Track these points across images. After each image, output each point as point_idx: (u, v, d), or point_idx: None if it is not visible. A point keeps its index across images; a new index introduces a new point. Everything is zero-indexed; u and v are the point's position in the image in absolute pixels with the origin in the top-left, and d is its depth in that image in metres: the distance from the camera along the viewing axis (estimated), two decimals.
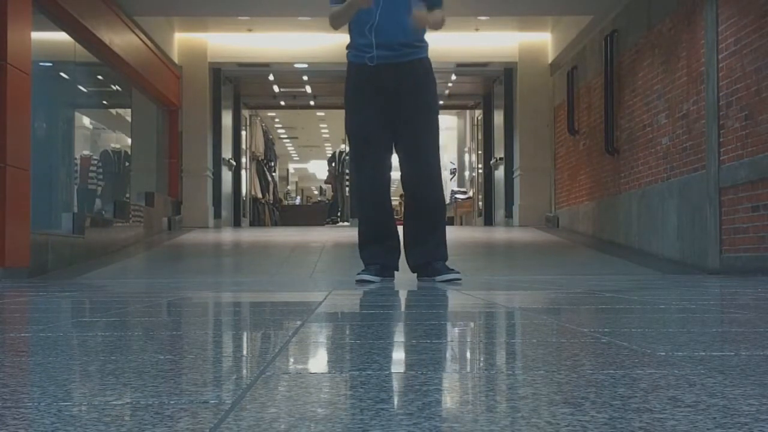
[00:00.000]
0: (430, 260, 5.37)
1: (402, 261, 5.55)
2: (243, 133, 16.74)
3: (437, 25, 5.28)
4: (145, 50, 11.29)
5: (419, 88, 5.29)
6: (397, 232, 5.54)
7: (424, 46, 5.37)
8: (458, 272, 5.36)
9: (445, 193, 6.10)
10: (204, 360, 1.70)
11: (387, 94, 5.26)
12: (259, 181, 19.07)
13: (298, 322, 2.58)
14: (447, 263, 5.43)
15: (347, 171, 18.23)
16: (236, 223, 15.09)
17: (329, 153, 25.47)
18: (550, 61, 13.28)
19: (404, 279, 5.62)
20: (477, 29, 13.09)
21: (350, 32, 5.38)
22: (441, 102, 18.67)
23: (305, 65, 14.08)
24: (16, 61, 6.93)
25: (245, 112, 17.36)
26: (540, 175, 13.26)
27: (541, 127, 13.27)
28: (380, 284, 5.22)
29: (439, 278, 5.28)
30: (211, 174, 13.70)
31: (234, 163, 15.10)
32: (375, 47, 5.20)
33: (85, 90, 10.79)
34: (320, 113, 24.10)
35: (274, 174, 21.44)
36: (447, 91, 17.19)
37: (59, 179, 9.14)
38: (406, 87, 5.26)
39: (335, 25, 5.37)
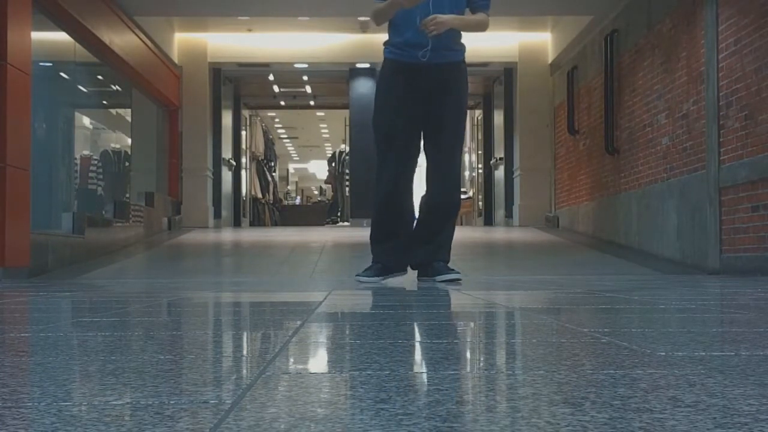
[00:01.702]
0: (431, 260, 5.35)
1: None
2: (243, 133, 16.74)
3: (472, 27, 5.26)
4: (145, 50, 11.29)
5: (453, 91, 5.24)
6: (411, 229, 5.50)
7: (461, 49, 5.33)
8: (458, 272, 5.34)
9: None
10: (204, 360, 1.69)
11: (421, 94, 5.21)
12: (259, 181, 19.07)
13: (298, 322, 2.58)
14: (448, 265, 5.41)
15: (347, 171, 18.23)
16: (236, 223, 15.10)
17: (329, 153, 25.46)
18: (550, 61, 13.28)
19: (405, 279, 5.61)
20: None
21: (390, 29, 5.31)
22: None
23: (305, 65, 14.07)
24: (16, 61, 6.93)
25: (245, 112, 17.36)
26: (540, 175, 13.26)
27: (541, 127, 13.27)
28: (379, 284, 5.23)
29: (439, 278, 5.26)
30: (211, 174, 13.70)
31: (234, 163, 15.10)
32: (419, 46, 5.14)
33: (85, 90, 10.78)
34: (320, 113, 24.09)
35: (274, 174, 21.45)
36: None
37: (59, 179, 9.14)
38: (441, 89, 5.22)
39: (377, 21, 5.33)
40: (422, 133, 5.33)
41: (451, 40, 5.21)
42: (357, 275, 5.47)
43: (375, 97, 5.42)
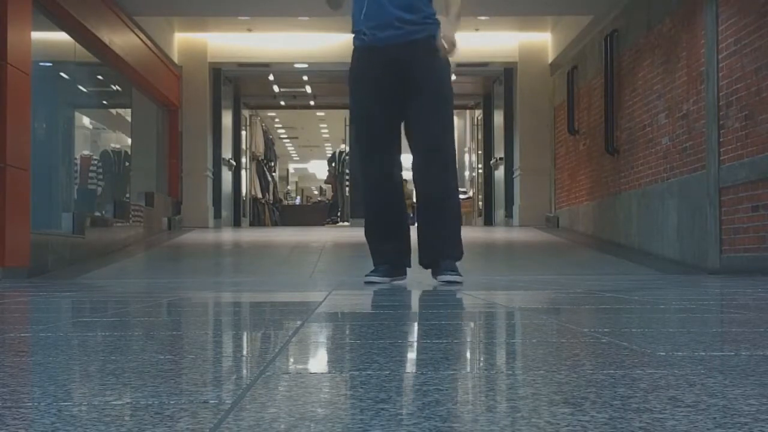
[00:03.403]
0: (437, 258, 5.11)
1: (414, 258, 5.32)
2: (243, 133, 16.74)
3: (455, 25, 5.05)
4: (145, 50, 11.29)
5: (429, 67, 4.96)
6: (407, 228, 5.30)
7: (430, 23, 5.02)
8: (460, 275, 5.06)
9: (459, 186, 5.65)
10: (204, 360, 1.69)
11: (391, 77, 4.98)
12: (259, 181, 19.07)
13: (298, 322, 2.58)
14: (457, 263, 5.12)
15: (347, 171, 18.22)
16: (236, 223, 15.09)
17: (329, 153, 25.46)
18: (550, 61, 13.28)
19: (409, 279, 5.59)
20: (477, 29, 13.09)
21: (352, 15, 5.14)
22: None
23: (305, 65, 14.07)
24: (16, 61, 6.93)
25: (245, 112, 17.36)
26: (540, 175, 13.26)
27: (541, 127, 13.27)
28: (389, 285, 5.09)
29: (439, 278, 5.07)
30: (211, 174, 13.70)
31: (234, 163, 15.10)
32: (373, 28, 4.96)
33: (85, 90, 10.78)
34: (320, 113, 24.10)
35: (274, 174, 21.44)
36: None
37: (59, 179, 9.14)
38: (412, 68, 4.97)
39: (330, 4, 5.23)
40: (405, 119, 5.08)
41: (422, 20, 4.99)
42: (366, 276, 5.22)
43: (350, 89, 5.21)
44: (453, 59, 5.08)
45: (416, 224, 5.32)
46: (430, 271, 5.26)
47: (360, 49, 5.12)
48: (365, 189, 5.29)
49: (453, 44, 4.91)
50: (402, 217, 5.32)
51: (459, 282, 5.02)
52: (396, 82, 5.02)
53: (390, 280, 5.21)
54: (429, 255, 5.16)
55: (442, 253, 5.10)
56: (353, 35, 5.18)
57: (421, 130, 5.06)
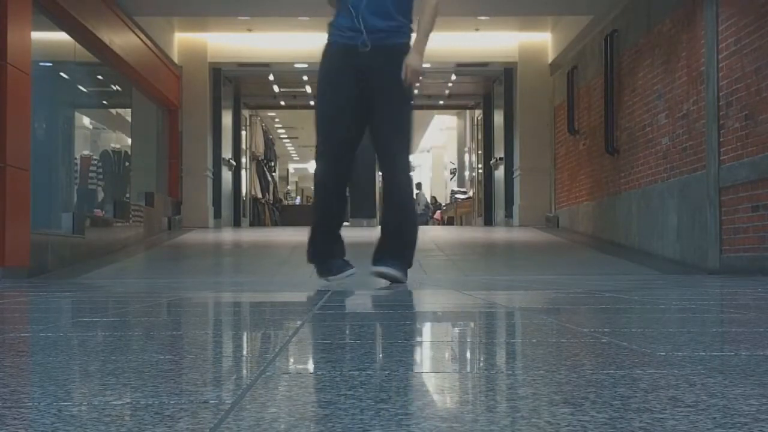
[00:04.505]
0: (387, 258, 5.07)
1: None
2: (243, 133, 16.74)
3: (432, 25, 5.08)
4: (145, 50, 11.29)
5: (395, 73, 4.97)
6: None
7: (405, 30, 5.09)
8: (404, 278, 5.03)
9: (415, 197, 5.63)
10: (204, 360, 1.70)
11: (361, 76, 5.01)
12: (259, 181, 19.08)
13: (298, 322, 2.58)
14: (402, 271, 5.06)
15: None
16: (236, 223, 15.10)
17: None
18: (550, 61, 13.28)
19: (408, 279, 5.59)
20: (477, 29, 13.09)
21: (337, 11, 5.18)
22: (440, 102, 18.68)
23: (305, 65, 14.07)
24: (16, 61, 6.93)
25: (245, 112, 17.36)
26: (540, 175, 13.26)
27: (541, 127, 13.27)
28: (345, 279, 5.03)
29: (374, 268, 5.00)
30: (211, 174, 13.70)
31: (234, 163, 15.10)
32: (357, 29, 4.99)
33: (85, 90, 10.78)
34: None
35: (274, 174, 21.45)
36: (447, 91, 17.19)
37: (59, 179, 9.14)
38: (383, 74, 4.99)
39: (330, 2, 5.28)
40: (367, 116, 5.09)
41: (396, 27, 5.04)
42: (326, 277, 5.17)
43: (317, 81, 5.24)
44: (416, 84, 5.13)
45: (380, 226, 5.32)
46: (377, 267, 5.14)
47: (333, 44, 5.15)
48: (322, 179, 5.23)
49: (417, 74, 4.99)
50: (343, 208, 5.30)
51: (398, 279, 4.98)
52: (362, 86, 5.05)
53: (353, 271, 5.14)
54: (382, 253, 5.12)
55: (391, 260, 5.05)
56: (330, 26, 5.19)
57: (382, 137, 5.09)
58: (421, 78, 5.08)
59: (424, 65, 5.15)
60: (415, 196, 5.41)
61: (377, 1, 5.02)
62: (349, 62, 5.05)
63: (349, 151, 5.16)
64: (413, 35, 5.11)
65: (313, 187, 5.38)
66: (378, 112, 5.07)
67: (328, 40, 5.20)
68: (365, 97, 5.07)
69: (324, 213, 5.24)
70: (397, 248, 5.10)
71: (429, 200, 27.53)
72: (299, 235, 12.43)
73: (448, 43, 12.82)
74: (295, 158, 37.55)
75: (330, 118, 5.14)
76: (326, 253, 5.21)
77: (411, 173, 5.28)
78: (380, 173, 5.22)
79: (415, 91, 5.29)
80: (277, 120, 26.40)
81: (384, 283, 4.99)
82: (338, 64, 5.11)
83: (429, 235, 11.93)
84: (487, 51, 13.57)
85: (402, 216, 5.16)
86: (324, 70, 5.21)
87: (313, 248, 5.25)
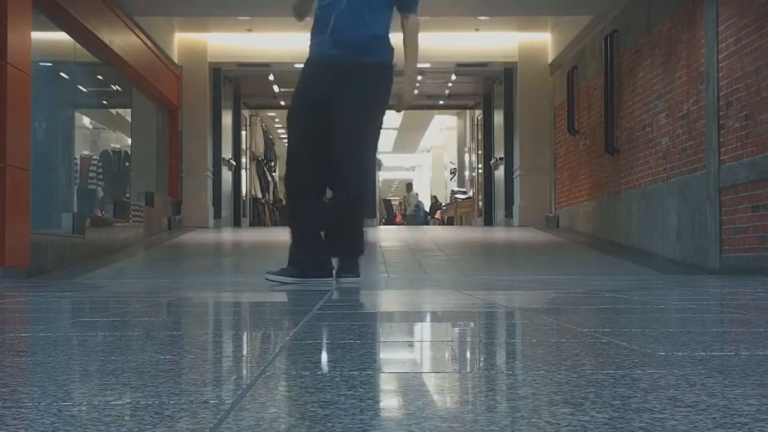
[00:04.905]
0: (346, 254, 5.28)
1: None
2: (243, 133, 16.74)
3: (417, 47, 5.21)
4: (145, 50, 11.29)
5: (369, 89, 5.10)
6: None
7: (387, 51, 5.19)
8: (358, 274, 5.26)
9: (372, 190, 5.86)
10: (204, 360, 1.70)
11: (335, 91, 5.11)
12: (259, 181, 19.08)
13: (298, 323, 2.58)
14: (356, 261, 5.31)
15: None
16: (236, 223, 15.10)
17: None
18: (550, 61, 13.28)
19: (406, 278, 5.60)
20: (477, 29, 13.09)
21: (313, 24, 5.28)
22: (440, 102, 18.68)
23: None
24: (16, 61, 6.93)
25: (245, 112, 17.36)
26: (540, 175, 13.26)
27: (541, 127, 13.27)
28: (299, 285, 5.07)
29: (341, 279, 5.21)
30: (211, 174, 13.70)
31: (234, 163, 15.10)
32: (334, 45, 5.10)
33: (85, 90, 10.78)
34: None
35: (274, 174, 21.45)
36: (447, 91, 17.19)
37: (59, 179, 9.14)
38: (356, 86, 5.09)
39: (295, 14, 5.37)
40: (335, 131, 5.18)
41: (374, 44, 5.13)
42: (269, 273, 5.26)
43: (295, 93, 5.38)
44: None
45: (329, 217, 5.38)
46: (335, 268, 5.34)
47: (312, 60, 5.28)
48: (294, 180, 5.34)
49: (409, 105, 5.27)
50: (321, 213, 5.38)
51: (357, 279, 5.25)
52: (335, 94, 5.13)
53: (297, 281, 5.21)
54: (339, 250, 5.32)
55: (351, 250, 5.28)
56: (310, 41, 5.33)
57: (347, 132, 5.14)
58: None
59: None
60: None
61: (354, 14, 5.05)
62: (326, 74, 5.15)
63: (323, 150, 5.19)
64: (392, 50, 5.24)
65: (287, 193, 5.44)
66: (345, 121, 5.12)
67: (309, 54, 5.27)
68: (337, 109, 5.14)
69: (305, 214, 5.34)
70: (349, 248, 5.27)
71: (430, 200, 27.56)
72: None
73: (448, 43, 12.83)
74: None
75: (300, 119, 5.24)
76: (314, 254, 5.31)
77: (364, 163, 5.30)
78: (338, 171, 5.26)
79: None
80: (277, 120, 26.38)
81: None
82: (315, 74, 5.22)
83: (429, 235, 11.94)
84: (487, 51, 13.57)
85: (357, 212, 5.32)
86: (300, 80, 5.34)
87: (298, 251, 5.34)
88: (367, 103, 5.15)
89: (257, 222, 18.16)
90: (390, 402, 1.15)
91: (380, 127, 5.36)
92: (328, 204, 5.37)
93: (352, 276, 5.25)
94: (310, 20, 5.46)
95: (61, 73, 9.71)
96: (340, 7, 5.07)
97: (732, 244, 7.00)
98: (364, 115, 5.16)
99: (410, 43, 5.21)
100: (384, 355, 1.78)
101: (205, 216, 13.39)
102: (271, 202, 20.22)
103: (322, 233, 5.34)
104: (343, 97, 5.11)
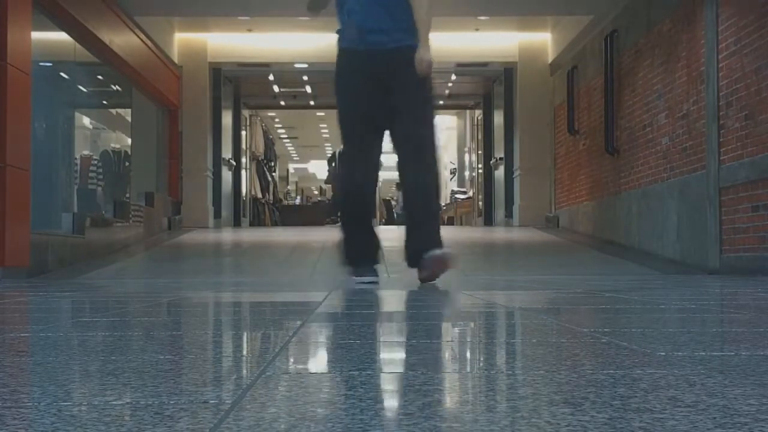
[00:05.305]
0: (420, 249, 5.14)
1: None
2: (243, 133, 16.73)
3: (430, 23, 5.13)
4: (145, 50, 11.29)
5: (412, 74, 5.03)
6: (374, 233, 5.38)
7: (413, 33, 5.11)
8: (447, 249, 5.15)
9: (442, 186, 5.70)
10: (204, 360, 1.70)
11: (377, 80, 5.06)
12: (259, 181, 19.07)
13: (298, 322, 2.58)
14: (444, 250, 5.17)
15: None
16: (236, 223, 15.09)
17: (329, 153, 25.47)
18: (550, 61, 13.28)
19: (405, 279, 5.60)
20: (477, 29, 13.09)
21: (338, 16, 5.24)
22: (441, 102, 18.68)
23: (305, 65, 14.07)
24: (16, 61, 6.93)
25: (245, 112, 17.35)
26: (540, 175, 13.26)
27: (541, 127, 13.26)
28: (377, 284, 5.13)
29: (427, 255, 5.06)
30: (211, 174, 13.70)
31: (234, 163, 15.10)
32: (362, 32, 5.06)
33: (85, 90, 10.78)
34: (320, 113, 24.08)
35: (274, 174, 21.45)
36: (447, 91, 17.18)
37: (59, 179, 9.14)
38: (398, 74, 5.05)
39: (309, 11, 5.33)
40: (387, 120, 5.13)
41: (398, 25, 5.08)
42: (358, 279, 5.20)
43: (334, 90, 5.28)
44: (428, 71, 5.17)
45: (405, 219, 5.38)
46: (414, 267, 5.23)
47: (344, 51, 5.21)
48: (347, 182, 5.31)
49: (429, 65, 5.06)
50: (369, 223, 5.36)
51: (448, 257, 5.11)
52: (379, 86, 5.09)
53: (374, 279, 5.20)
54: (415, 245, 5.19)
55: (426, 244, 5.13)
56: (337, 35, 5.25)
57: (405, 132, 5.11)
58: (427, 68, 5.09)
59: None
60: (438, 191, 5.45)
61: (373, 4, 5.04)
62: (362, 65, 5.10)
63: (376, 148, 5.20)
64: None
65: (339, 193, 5.42)
66: (400, 109, 5.07)
67: (338, 46, 5.23)
68: (384, 97, 5.09)
69: (360, 213, 5.30)
70: (431, 240, 5.13)
71: None
72: (299, 235, 12.44)
73: (448, 43, 12.82)
74: (295, 158, 37.56)
75: (352, 118, 5.18)
76: (362, 253, 5.28)
77: (438, 165, 5.29)
78: (399, 170, 5.22)
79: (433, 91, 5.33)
80: (277, 120, 26.40)
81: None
82: (352, 68, 5.16)
83: None
84: (487, 51, 13.57)
85: (427, 208, 5.23)
86: (337, 76, 5.25)
87: (350, 250, 5.29)
88: (419, 85, 5.08)
89: (257, 222, 18.16)
90: (390, 402, 1.15)
91: (433, 115, 5.27)
92: (402, 204, 5.33)
93: (428, 276, 5.08)
94: (312, 20, 5.45)
95: (61, 73, 9.71)
96: None
97: (732, 244, 7.00)
98: (419, 104, 5.11)
99: (422, 13, 5.16)
100: (384, 355, 1.78)
101: (205, 216, 13.39)
102: (271, 202, 20.23)
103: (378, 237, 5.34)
104: (390, 90, 5.06)
